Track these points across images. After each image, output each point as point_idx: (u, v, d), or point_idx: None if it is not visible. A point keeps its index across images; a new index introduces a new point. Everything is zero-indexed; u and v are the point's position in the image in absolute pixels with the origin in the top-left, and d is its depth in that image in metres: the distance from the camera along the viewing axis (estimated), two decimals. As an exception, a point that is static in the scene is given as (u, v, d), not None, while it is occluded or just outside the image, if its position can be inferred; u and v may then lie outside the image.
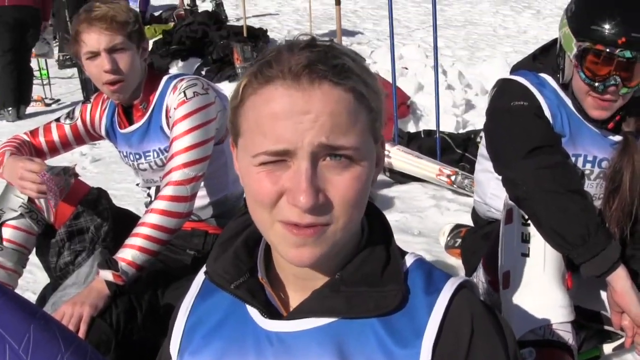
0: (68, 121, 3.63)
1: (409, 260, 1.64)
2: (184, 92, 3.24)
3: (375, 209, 1.68)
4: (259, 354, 1.58)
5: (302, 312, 1.56)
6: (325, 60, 1.40)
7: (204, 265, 1.75)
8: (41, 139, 3.63)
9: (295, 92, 1.37)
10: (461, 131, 7.90)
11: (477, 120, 8.61)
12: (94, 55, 3.19)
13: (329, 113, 1.37)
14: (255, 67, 1.45)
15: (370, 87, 1.46)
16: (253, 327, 1.61)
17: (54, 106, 10.84)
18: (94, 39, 3.15)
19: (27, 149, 3.55)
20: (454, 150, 6.79)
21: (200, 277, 1.81)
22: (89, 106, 3.64)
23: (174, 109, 3.23)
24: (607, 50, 2.87)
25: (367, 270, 1.56)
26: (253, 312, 1.63)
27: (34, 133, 3.66)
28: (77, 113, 3.65)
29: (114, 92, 3.29)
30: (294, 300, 1.62)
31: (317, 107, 1.36)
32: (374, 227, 1.64)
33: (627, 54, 2.84)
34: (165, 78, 3.43)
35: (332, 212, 1.41)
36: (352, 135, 1.40)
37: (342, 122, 1.38)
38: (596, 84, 2.94)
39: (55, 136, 3.62)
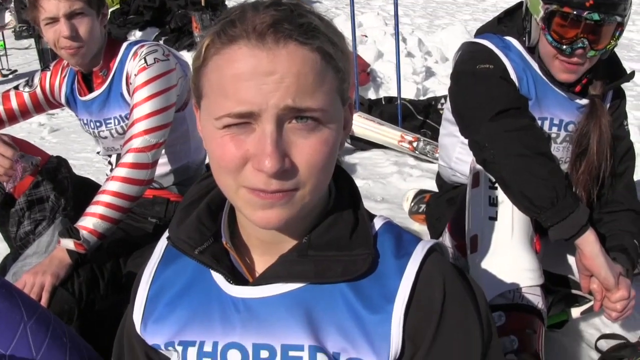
0: (27, 89, 3.56)
1: (377, 223, 1.62)
2: (145, 58, 3.19)
3: (343, 172, 1.65)
4: (225, 320, 1.56)
5: (268, 277, 1.54)
6: (291, 19, 1.35)
7: (166, 231, 1.72)
8: (0, 108, 3.56)
9: (259, 52, 1.31)
10: (422, 98, 7.93)
11: (437, 87, 8.67)
12: (53, 20, 3.11)
13: (295, 74, 1.31)
14: (218, 26, 1.40)
15: (338, 47, 1.41)
16: (218, 294, 1.59)
17: (10, 77, 10.77)
18: (52, 5, 3.07)
19: None
20: (415, 117, 6.81)
21: (162, 243, 1.77)
22: (48, 74, 3.56)
23: (135, 75, 3.17)
24: (575, 12, 2.83)
25: (335, 233, 1.53)
26: (218, 278, 1.60)
27: None
28: (36, 81, 3.57)
29: (72, 55, 3.21)
30: (260, 266, 1.59)
31: (283, 67, 1.31)
32: (341, 190, 1.61)
33: (595, 16, 2.81)
34: (125, 44, 3.37)
35: (298, 176, 1.36)
36: (319, 97, 1.35)
37: (308, 83, 1.33)
38: (563, 47, 2.92)
39: (14, 104, 3.54)
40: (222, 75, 1.35)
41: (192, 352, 1.59)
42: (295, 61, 1.32)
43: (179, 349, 1.61)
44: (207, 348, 1.57)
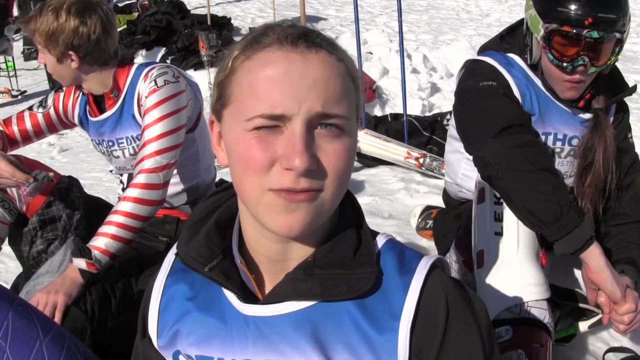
0: (41, 110, 3.62)
1: (380, 241, 1.65)
2: (155, 80, 3.23)
3: (346, 192, 1.68)
4: (240, 337, 1.58)
5: (276, 295, 1.56)
6: (318, 34, 1.46)
7: (173, 247, 1.74)
8: (14, 128, 3.60)
9: (294, 55, 1.39)
10: (427, 114, 7.95)
11: (442, 103, 8.70)
12: None
13: (325, 79, 1.39)
14: (246, 39, 1.47)
15: (353, 66, 1.51)
16: (231, 310, 1.61)
17: (20, 97, 10.85)
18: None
19: (0, 140, 3.54)
20: (421, 133, 6.84)
21: (170, 258, 1.79)
22: (61, 94, 3.62)
23: (145, 97, 3.21)
24: (574, 31, 2.87)
25: (339, 253, 1.55)
26: (229, 295, 1.62)
27: (6, 122, 3.63)
28: (49, 101, 3.63)
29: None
30: (267, 283, 1.62)
31: (315, 71, 1.39)
32: (344, 209, 1.63)
33: (594, 34, 2.85)
34: (135, 66, 3.41)
35: (323, 178, 1.41)
36: (344, 105, 1.42)
37: (336, 89, 1.41)
38: (564, 64, 2.96)
39: (28, 125, 3.60)
40: (254, 77, 1.41)
41: None
42: (325, 66, 1.41)
43: None
44: None
